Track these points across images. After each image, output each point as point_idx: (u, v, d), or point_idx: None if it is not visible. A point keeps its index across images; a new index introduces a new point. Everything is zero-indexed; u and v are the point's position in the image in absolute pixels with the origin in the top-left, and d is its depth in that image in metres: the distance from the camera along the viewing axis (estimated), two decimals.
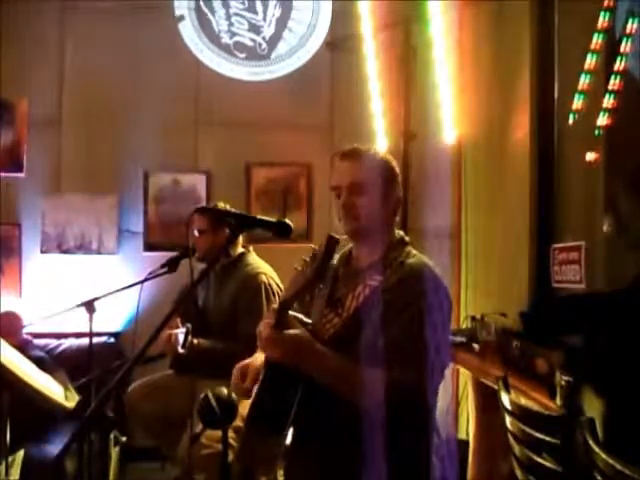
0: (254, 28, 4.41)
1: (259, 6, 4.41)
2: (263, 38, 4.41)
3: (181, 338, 2.92)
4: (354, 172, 1.85)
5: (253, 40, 4.39)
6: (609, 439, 1.59)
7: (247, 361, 1.93)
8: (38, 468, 2.61)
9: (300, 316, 1.76)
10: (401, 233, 1.94)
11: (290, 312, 1.73)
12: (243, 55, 4.37)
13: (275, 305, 1.79)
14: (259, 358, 1.91)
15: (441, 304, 1.78)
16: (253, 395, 1.79)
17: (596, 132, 2.67)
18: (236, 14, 4.38)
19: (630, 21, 2.57)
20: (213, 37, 4.36)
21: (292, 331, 1.71)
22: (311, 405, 1.70)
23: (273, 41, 4.42)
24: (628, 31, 2.57)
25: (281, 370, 1.70)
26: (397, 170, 1.93)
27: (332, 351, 1.72)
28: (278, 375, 1.70)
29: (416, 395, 1.71)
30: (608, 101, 2.61)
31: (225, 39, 4.37)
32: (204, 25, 4.36)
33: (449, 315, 1.86)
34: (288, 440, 1.80)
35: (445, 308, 1.81)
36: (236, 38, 4.39)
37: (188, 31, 4.33)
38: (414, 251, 1.89)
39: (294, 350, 1.69)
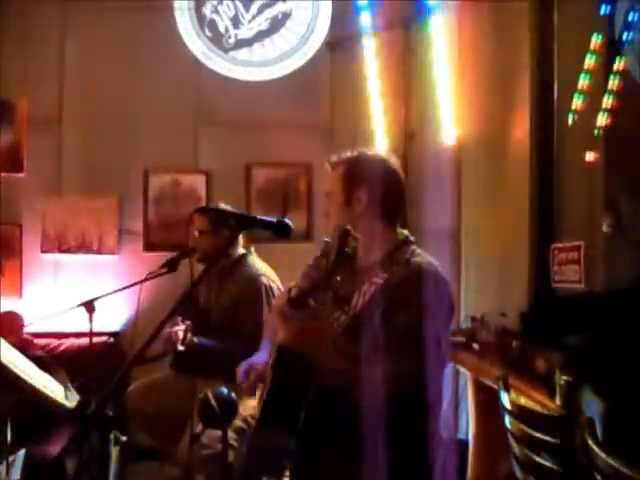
0: (235, 21, 4.37)
1: (254, 8, 4.40)
2: (235, 35, 4.37)
3: (181, 335, 2.93)
4: (327, 182, 2.00)
5: (227, 29, 4.36)
6: (609, 439, 1.60)
7: (251, 360, 1.95)
8: (38, 468, 2.61)
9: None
10: (405, 232, 1.96)
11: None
12: (209, 34, 4.32)
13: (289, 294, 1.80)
14: (262, 357, 1.92)
15: (444, 303, 1.80)
16: (264, 394, 1.80)
17: (595, 132, 2.67)
18: None
19: (629, 21, 2.57)
20: (199, 2, 4.33)
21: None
22: (316, 406, 1.71)
23: (240, 43, 4.37)
24: (627, 31, 2.57)
25: (291, 367, 1.71)
26: (377, 172, 1.93)
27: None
28: (288, 373, 1.71)
29: (416, 391, 1.72)
30: (607, 101, 2.61)
31: (206, 10, 4.33)
32: None
33: (451, 315, 1.87)
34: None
35: (447, 307, 1.83)
36: (214, 16, 4.34)
37: None
38: (419, 250, 1.91)
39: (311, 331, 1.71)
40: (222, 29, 4.36)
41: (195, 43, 4.29)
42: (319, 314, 1.72)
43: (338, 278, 1.78)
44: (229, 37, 4.35)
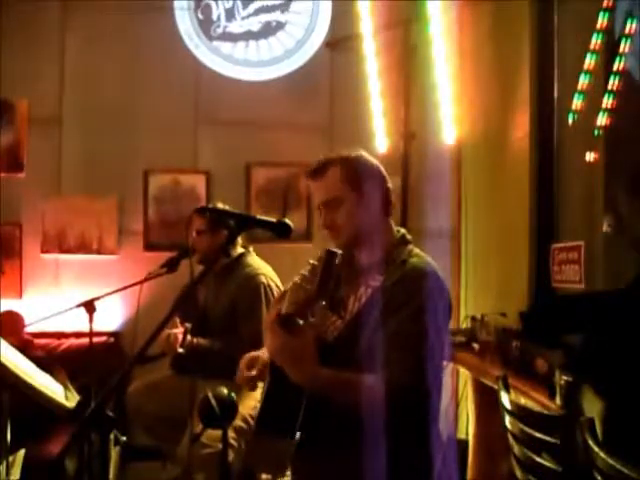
0: (229, 14, 4.37)
1: (252, 7, 4.39)
2: (224, 27, 4.37)
3: (180, 338, 2.93)
4: (323, 190, 1.85)
5: (219, 18, 4.35)
6: (609, 439, 1.59)
7: (255, 353, 1.94)
8: (38, 468, 2.61)
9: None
10: (402, 231, 1.93)
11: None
12: (200, 17, 4.32)
13: (277, 310, 1.79)
14: (266, 353, 1.92)
15: (441, 303, 1.78)
16: (261, 399, 1.79)
17: (595, 132, 2.67)
18: None
19: (629, 21, 2.57)
20: None
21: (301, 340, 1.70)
22: (315, 407, 1.70)
23: (224, 36, 4.37)
24: (627, 31, 2.58)
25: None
26: (372, 166, 1.89)
27: (330, 370, 1.71)
28: (285, 378, 1.70)
29: (415, 392, 1.71)
30: (607, 101, 2.61)
31: None
32: None
33: (448, 315, 1.86)
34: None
35: (445, 308, 1.81)
36: (211, 1, 4.35)
37: None
38: (416, 250, 1.88)
39: (299, 363, 1.69)
40: (214, 16, 4.36)
41: (183, 17, 4.29)
42: (307, 334, 1.70)
43: (323, 303, 1.75)
44: (217, 26, 4.35)
